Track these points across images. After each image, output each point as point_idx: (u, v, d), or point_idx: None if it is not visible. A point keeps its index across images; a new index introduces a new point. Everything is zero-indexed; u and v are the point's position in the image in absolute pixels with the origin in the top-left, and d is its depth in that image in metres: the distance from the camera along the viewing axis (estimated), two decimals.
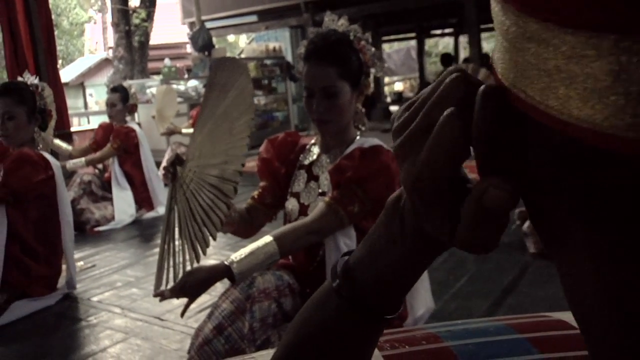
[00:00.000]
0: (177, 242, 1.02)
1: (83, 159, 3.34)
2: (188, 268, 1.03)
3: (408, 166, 0.25)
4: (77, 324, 1.90)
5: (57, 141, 3.27)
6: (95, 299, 2.12)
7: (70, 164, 3.26)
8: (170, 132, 4.52)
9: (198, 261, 0.98)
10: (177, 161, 1.04)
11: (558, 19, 0.16)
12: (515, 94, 0.19)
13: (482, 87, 0.22)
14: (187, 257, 1.00)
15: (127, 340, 1.72)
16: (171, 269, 1.02)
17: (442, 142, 0.23)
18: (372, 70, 1.17)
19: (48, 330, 1.87)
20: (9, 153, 2.09)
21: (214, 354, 1.03)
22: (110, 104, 3.42)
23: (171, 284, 1.04)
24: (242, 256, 1.04)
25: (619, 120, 0.16)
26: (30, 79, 2.10)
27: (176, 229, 1.01)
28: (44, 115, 2.10)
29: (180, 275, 1.02)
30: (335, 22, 1.17)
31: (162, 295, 1.06)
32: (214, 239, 0.98)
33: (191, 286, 1.02)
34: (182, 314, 1.11)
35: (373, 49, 1.17)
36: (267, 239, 1.06)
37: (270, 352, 0.53)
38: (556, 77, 0.17)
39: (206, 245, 0.97)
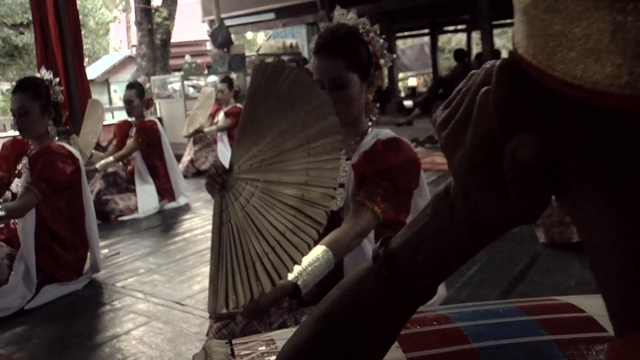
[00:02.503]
0: (231, 257, 0.88)
1: (111, 157, 3.42)
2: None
3: (459, 152, 0.26)
4: (102, 307, 1.98)
5: (95, 152, 3.38)
6: (119, 284, 2.20)
7: (101, 164, 3.33)
8: (193, 134, 4.67)
9: (274, 286, 0.86)
10: (223, 170, 0.93)
11: None
12: (529, 61, 0.20)
13: (498, 61, 0.24)
14: (260, 280, 0.85)
15: (150, 324, 1.78)
16: (230, 289, 0.87)
17: (483, 115, 0.24)
18: (382, 62, 1.17)
19: (76, 313, 1.95)
20: (28, 147, 2.19)
21: (230, 335, 1.05)
22: (127, 101, 3.48)
23: (231, 303, 0.91)
24: (304, 269, 0.97)
25: (616, 78, 0.16)
26: (45, 74, 2.18)
27: (231, 246, 0.89)
28: (58, 109, 2.17)
29: (245, 297, 0.88)
30: (344, 16, 1.18)
31: (220, 318, 0.98)
32: (298, 263, 0.85)
33: (263, 307, 0.95)
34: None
35: (382, 40, 1.17)
36: (322, 248, 1.01)
37: (286, 331, 0.54)
38: (561, 40, 0.18)
39: (287, 270, 0.85)
